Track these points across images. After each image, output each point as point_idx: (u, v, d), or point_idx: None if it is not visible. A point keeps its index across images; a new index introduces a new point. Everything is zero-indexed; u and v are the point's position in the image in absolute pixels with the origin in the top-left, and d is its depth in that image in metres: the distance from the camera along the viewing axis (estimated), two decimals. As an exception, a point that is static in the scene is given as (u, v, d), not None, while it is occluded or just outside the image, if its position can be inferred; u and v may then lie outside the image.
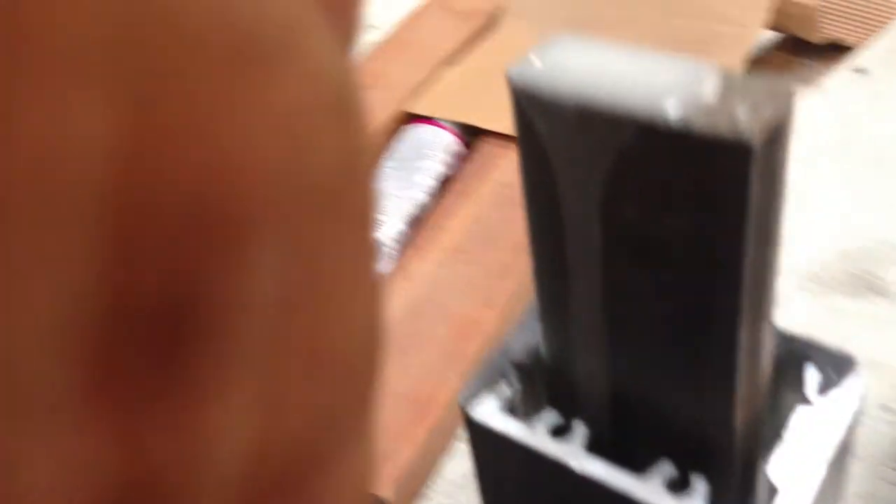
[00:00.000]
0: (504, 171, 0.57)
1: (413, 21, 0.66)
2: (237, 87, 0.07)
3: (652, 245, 0.21)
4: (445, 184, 0.57)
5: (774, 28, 0.67)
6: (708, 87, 0.19)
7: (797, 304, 0.48)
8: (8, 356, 0.06)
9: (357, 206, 0.09)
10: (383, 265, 0.52)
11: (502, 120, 0.58)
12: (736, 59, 0.61)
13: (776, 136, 0.19)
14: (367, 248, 0.09)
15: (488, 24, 0.66)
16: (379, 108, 0.59)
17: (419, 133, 0.58)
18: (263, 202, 0.08)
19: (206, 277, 0.07)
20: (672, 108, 0.19)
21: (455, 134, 0.58)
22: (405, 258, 0.52)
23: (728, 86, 0.19)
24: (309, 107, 0.08)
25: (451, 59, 0.64)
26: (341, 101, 0.09)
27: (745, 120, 0.18)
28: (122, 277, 0.07)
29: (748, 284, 0.20)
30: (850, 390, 0.26)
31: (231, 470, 0.08)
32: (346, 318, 0.09)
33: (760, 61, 0.66)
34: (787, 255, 0.53)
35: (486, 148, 0.58)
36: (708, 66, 0.20)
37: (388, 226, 0.52)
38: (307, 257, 0.08)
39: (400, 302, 0.50)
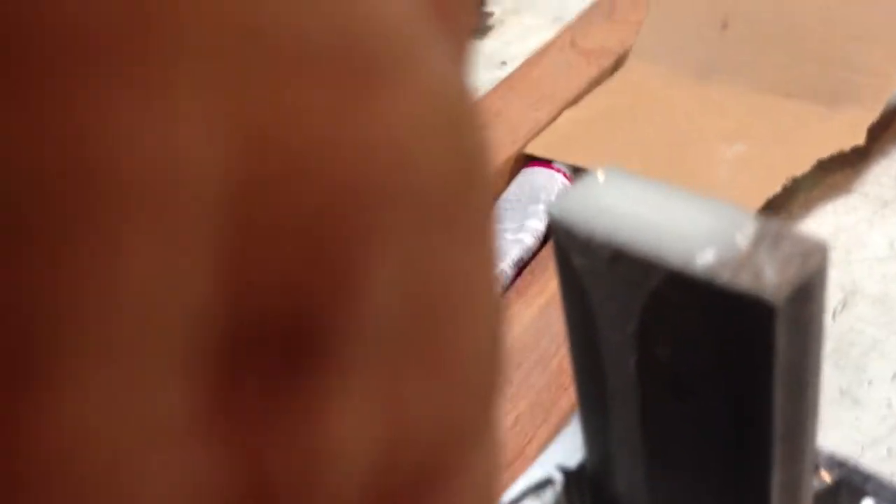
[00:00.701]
0: (615, 217, 0.57)
1: (538, 59, 0.66)
2: (352, 105, 0.07)
3: (684, 380, 0.21)
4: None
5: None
6: (741, 238, 0.19)
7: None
8: (136, 374, 0.06)
9: (474, 218, 0.09)
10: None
11: (619, 165, 0.58)
12: (872, 113, 0.59)
13: (803, 295, 0.19)
14: (486, 261, 0.09)
15: (616, 65, 0.66)
16: (496, 148, 0.60)
17: (534, 176, 0.59)
18: (380, 218, 0.08)
19: (325, 293, 0.07)
20: (701, 258, 0.19)
21: (569, 178, 0.59)
22: (506, 302, 0.53)
23: (762, 237, 0.19)
24: (424, 122, 0.08)
25: (575, 99, 0.64)
26: (456, 114, 0.09)
27: (772, 277, 0.18)
28: (241, 297, 0.07)
29: (779, 435, 0.20)
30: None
31: (354, 481, 0.08)
32: (469, 327, 0.09)
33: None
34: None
35: (600, 192, 0.58)
36: (745, 214, 0.20)
37: (494, 269, 0.53)
38: (426, 269, 0.08)
39: (499, 346, 0.51)
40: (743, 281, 0.19)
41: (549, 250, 0.55)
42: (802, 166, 0.57)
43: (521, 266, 0.54)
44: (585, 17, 0.69)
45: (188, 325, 0.07)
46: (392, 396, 0.08)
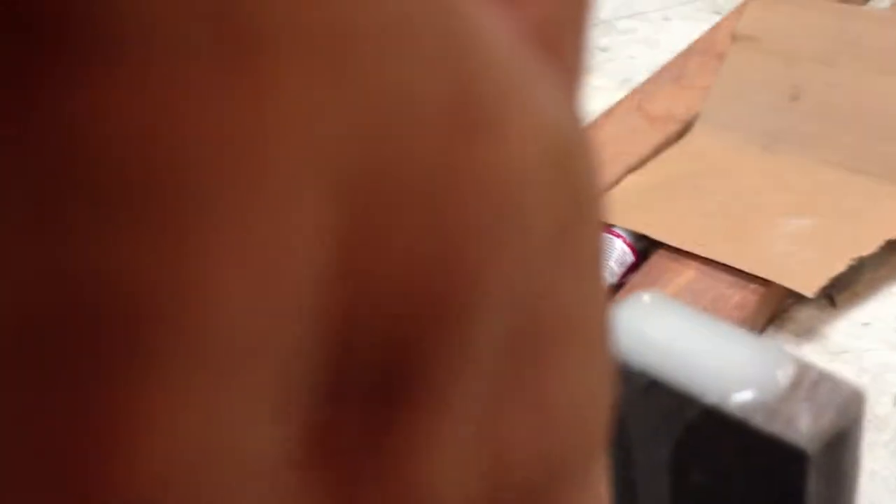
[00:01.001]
0: (675, 286, 0.56)
1: (604, 121, 0.66)
2: (457, 154, 0.07)
3: (717, 510, 0.21)
4: (611, 293, 0.57)
5: None
6: (780, 380, 0.19)
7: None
8: (232, 409, 0.06)
9: (580, 255, 0.09)
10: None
11: (678, 233, 0.58)
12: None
13: (839, 444, 0.18)
14: (596, 293, 0.09)
15: (682, 131, 0.66)
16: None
17: (591, 241, 0.58)
18: (483, 263, 0.08)
19: (427, 329, 0.07)
20: (738, 397, 0.19)
21: (628, 243, 0.58)
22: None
23: (800, 381, 0.19)
24: (530, 162, 0.08)
25: (639, 164, 0.64)
26: (564, 150, 0.09)
27: (808, 424, 0.18)
28: (341, 350, 0.07)
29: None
30: None
31: None
32: (576, 361, 0.09)
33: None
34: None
35: (658, 260, 0.58)
36: (785, 354, 0.20)
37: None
38: (532, 304, 0.08)
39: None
40: (779, 425, 0.19)
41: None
42: (869, 246, 0.56)
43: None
44: (653, 81, 0.69)
45: (286, 361, 0.07)
46: (493, 433, 0.08)
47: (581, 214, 0.09)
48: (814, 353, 0.55)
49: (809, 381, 0.19)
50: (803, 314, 0.57)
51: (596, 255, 0.09)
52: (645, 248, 0.59)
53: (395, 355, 0.07)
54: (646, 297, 0.22)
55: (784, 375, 0.20)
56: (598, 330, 0.09)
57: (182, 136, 0.06)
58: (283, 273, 0.06)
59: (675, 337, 0.21)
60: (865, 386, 0.51)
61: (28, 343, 0.06)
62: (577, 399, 0.09)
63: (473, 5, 0.08)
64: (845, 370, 0.53)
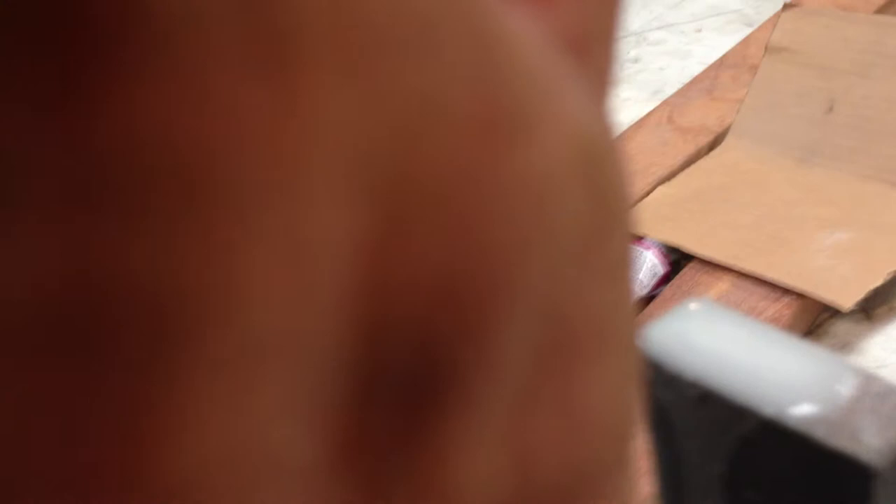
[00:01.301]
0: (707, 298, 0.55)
1: (634, 132, 0.65)
2: (486, 161, 0.07)
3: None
4: (642, 304, 0.56)
5: None
6: (842, 391, 0.18)
7: None
8: (264, 425, 0.06)
9: (608, 261, 0.09)
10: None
11: (710, 245, 0.57)
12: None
13: (906, 459, 0.18)
14: (624, 298, 0.09)
15: (713, 143, 0.65)
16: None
17: (622, 253, 0.58)
18: (511, 269, 0.08)
19: (456, 334, 0.07)
20: (797, 409, 0.18)
21: (660, 254, 0.58)
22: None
23: (863, 393, 0.18)
24: (559, 169, 0.08)
25: (670, 176, 0.63)
26: (594, 158, 0.09)
27: (873, 438, 0.17)
28: (371, 353, 0.07)
29: None
30: None
31: None
32: (603, 366, 0.09)
33: None
34: None
35: (690, 273, 0.57)
36: (846, 365, 0.19)
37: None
38: (560, 310, 0.08)
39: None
40: (841, 439, 0.18)
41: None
42: (906, 260, 0.55)
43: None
44: (684, 93, 0.68)
45: (316, 363, 0.07)
46: (521, 438, 0.08)
47: (610, 222, 0.09)
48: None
49: (874, 393, 0.19)
50: (839, 328, 0.56)
51: (625, 263, 0.09)
52: (677, 260, 0.58)
53: (425, 359, 0.07)
54: (693, 305, 0.21)
55: (846, 387, 0.19)
56: (627, 338, 0.09)
57: (214, 138, 0.06)
58: (313, 275, 0.06)
59: (728, 345, 0.20)
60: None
61: (57, 336, 0.06)
62: (604, 406, 0.09)
63: (504, 9, 0.08)
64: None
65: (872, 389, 0.19)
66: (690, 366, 0.20)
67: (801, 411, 0.18)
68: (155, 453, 0.06)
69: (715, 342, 0.20)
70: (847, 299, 0.54)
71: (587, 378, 0.09)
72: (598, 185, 0.09)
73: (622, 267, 0.09)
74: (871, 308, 0.57)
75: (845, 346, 0.56)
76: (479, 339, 0.08)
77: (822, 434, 0.18)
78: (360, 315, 0.07)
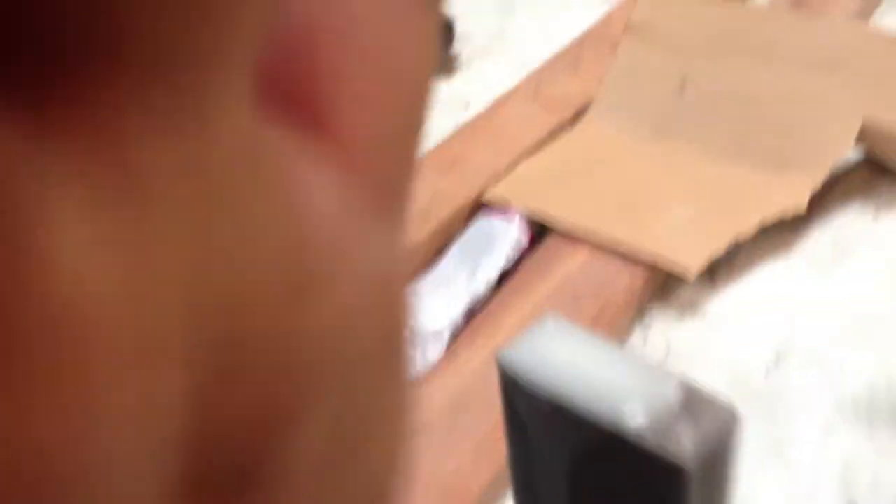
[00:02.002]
0: (566, 269, 0.59)
1: (500, 105, 0.68)
2: (295, 319, 0.09)
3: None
4: (504, 276, 0.59)
5: (865, 153, 0.67)
6: (665, 400, 0.21)
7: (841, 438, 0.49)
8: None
9: (397, 365, 0.11)
10: (433, 353, 0.55)
11: (571, 217, 0.60)
12: (815, 180, 0.62)
13: (715, 460, 0.21)
14: (402, 395, 0.11)
15: (577, 116, 0.68)
16: (453, 193, 0.62)
17: (489, 225, 0.61)
18: (316, 384, 0.09)
19: (268, 447, 0.09)
20: (628, 419, 0.21)
21: (524, 227, 0.60)
22: (454, 349, 0.55)
23: (682, 402, 0.21)
24: (359, 302, 0.09)
25: (535, 148, 0.66)
26: (389, 285, 0.10)
27: (688, 442, 0.21)
28: (199, 460, 0.08)
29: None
30: None
31: None
32: (386, 452, 0.11)
33: (839, 181, 0.66)
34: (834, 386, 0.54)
35: (552, 243, 0.61)
36: (671, 376, 0.22)
37: (443, 315, 0.55)
38: (349, 412, 0.10)
39: (445, 392, 0.53)
40: (662, 444, 0.21)
41: (498, 300, 0.57)
42: (746, 230, 0.60)
43: (471, 314, 0.56)
44: (551, 66, 0.71)
45: (156, 456, 0.08)
46: None
47: (398, 339, 0.10)
48: (696, 327, 0.59)
49: (692, 402, 0.22)
50: (686, 291, 0.61)
51: (405, 364, 0.11)
52: (539, 232, 0.61)
53: (240, 458, 0.09)
54: (548, 324, 0.24)
55: (669, 396, 0.22)
56: (403, 422, 0.11)
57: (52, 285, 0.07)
58: (146, 422, 0.07)
59: (578, 360, 0.23)
60: (744, 351, 0.55)
61: None
62: (383, 480, 0.11)
63: (303, 167, 0.09)
64: (725, 339, 0.58)
65: (690, 398, 0.22)
66: (544, 382, 0.23)
67: (632, 421, 0.22)
68: None
69: (567, 357, 0.23)
70: (692, 267, 0.58)
71: (376, 456, 0.11)
72: (390, 314, 0.10)
73: (404, 368, 0.11)
74: (714, 273, 0.62)
75: (692, 306, 0.61)
76: (283, 441, 0.09)
77: (648, 439, 0.21)
78: (188, 441, 0.08)
